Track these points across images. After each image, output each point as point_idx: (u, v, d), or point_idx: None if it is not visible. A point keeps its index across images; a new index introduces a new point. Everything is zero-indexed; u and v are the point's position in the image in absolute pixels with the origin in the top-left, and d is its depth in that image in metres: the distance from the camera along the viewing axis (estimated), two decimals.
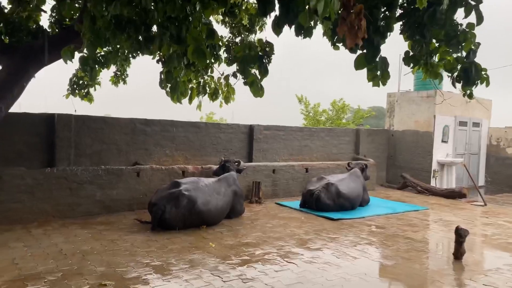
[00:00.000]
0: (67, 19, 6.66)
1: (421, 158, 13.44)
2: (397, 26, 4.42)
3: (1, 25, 5.55)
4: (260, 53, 4.30)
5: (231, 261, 5.49)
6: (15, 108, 6.78)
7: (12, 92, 4.88)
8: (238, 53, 4.26)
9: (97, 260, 5.31)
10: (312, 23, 3.81)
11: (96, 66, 6.52)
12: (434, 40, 4.53)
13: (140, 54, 7.41)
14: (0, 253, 5.43)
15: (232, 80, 5.47)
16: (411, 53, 4.58)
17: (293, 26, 3.90)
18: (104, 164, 8.72)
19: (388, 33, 4.20)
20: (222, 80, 4.96)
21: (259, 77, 4.19)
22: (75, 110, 8.46)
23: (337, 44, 4.62)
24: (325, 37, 4.71)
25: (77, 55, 5.27)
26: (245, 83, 4.27)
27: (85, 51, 4.80)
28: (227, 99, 5.07)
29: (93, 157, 8.89)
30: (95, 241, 6.16)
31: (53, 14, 6.77)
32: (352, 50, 4.24)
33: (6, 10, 6.33)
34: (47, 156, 8.33)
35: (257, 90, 4.21)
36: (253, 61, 4.19)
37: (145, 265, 5.18)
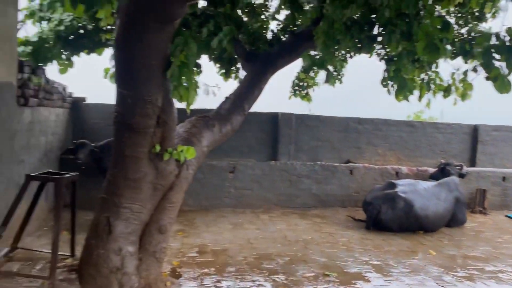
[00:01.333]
0: (291, 26, 7.26)
1: None
2: None
3: (245, 36, 6.44)
4: (508, 43, 3.76)
5: (456, 273, 5.03)
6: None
7: (253, 94, 5.61)
8: (480, 44, 3.82)
9: (317, 250, 5.65)
10: None
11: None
12: None
13: (358, 54, 7.52)
14: (238, 232, 6.36)
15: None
16: None
17: None
18: (318, 160, 9.18)
19: None
20: (455, 76, 4.58)
21: (507, 71, 3.66)
22: (310, 110, 9.20)
23: None
24: None
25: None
26: (487, 78, 3.80)
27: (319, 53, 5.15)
28: (463, 96, 4.64)
29: (310, 153, 9.45)
30: (314, 232, 6.56)
31: (281, 22, 7.47)
32: None
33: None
34: (271, 150, 9.29)
35: (503, 85, 3.69)
36: (500, 53, 3.69)
37: (364, 262, 5.23)
